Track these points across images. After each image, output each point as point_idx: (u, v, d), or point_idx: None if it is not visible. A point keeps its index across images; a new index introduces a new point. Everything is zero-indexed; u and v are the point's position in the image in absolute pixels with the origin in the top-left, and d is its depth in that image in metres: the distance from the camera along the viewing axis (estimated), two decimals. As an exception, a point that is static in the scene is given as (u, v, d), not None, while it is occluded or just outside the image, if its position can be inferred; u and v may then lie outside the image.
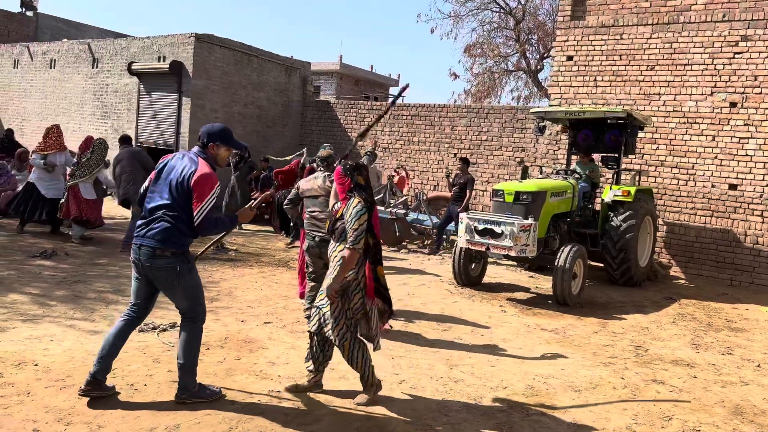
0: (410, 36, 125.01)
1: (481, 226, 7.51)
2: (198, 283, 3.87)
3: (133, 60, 14.45)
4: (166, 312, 5.77)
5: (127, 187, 8.35)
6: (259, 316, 6.00)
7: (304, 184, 5.63)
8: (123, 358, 4.50)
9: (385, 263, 9.41)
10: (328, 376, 4.36)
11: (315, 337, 4.12)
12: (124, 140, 8.95)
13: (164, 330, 5.25)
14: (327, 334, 3.98)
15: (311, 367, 4.19)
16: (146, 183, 3.92)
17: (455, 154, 13.37)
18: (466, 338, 5.82)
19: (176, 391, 3.85)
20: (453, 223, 10.46)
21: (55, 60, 16.79)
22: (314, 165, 6.73)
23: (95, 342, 4.78)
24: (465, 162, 10.70)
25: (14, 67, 18.02)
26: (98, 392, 3.75)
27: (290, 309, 6.36)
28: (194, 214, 3.63)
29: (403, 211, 11.20)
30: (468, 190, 10.32)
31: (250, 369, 4.57)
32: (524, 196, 7.68)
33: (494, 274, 9.17)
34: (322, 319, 4.01)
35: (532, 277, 9.34)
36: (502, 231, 7.32)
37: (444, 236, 11.04)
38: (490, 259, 8.87)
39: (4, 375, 4.01)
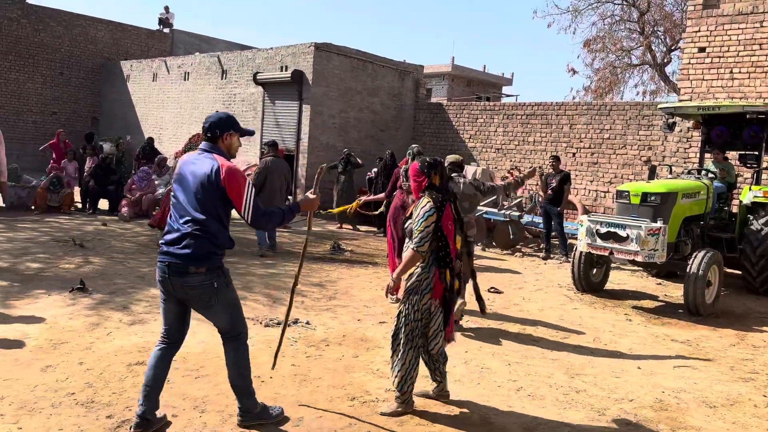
0: (525, 33, 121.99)
1: (603, 229, 7.16)
2: (236, 296, 3.53)
3: (258, 71, 15.30)
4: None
5: (265, 197, 8.62)
6: (375, 315, 6.11)
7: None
8: (251, 351, 4.77)
9: (500, 266, 9.29)
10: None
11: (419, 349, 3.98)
12: (274, 146, 9.24)
13: (289, 325, 5.48)
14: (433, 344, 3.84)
15: (431, 376, 4.08)
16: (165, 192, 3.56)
17: (574, 154, 12.87)
18: (588, 347, 5.57)
19: (238, 415, 3.54)
20: (553, 224, 10.28)
21: (188, 73, 18.17)
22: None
23: (225, 335, 5.10)
24: (557, 159, 10.39)
25: (153, 81, 19.73)
26: (151, 429, 3.40)
27: (405, 310, 6.43)
28: (241, 211, 3.27)
29: (518, 214, 10.95)
30: (566, 187, 10.02)
31: (367, 367, 4.66)
32: (652, 198, 7.22)
33: (618, 280, 8.70)
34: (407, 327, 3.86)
35: (660, 284, 8.76)
36: (628, 234, 6.93)
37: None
38: (612, 265, 8.44)
39: (146, 363, 4.38)
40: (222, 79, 16.77)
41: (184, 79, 18.32)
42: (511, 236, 10.94)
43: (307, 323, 5.61)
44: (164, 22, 24.58)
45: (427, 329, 3.81)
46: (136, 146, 16.50)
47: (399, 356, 3.79)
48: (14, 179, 11.69)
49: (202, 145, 3.42)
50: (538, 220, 10.94)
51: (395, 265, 6.66)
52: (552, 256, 10.32)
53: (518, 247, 11.09)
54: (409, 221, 3.87)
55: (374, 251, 9.85)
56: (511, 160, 13.96)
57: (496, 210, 11.13)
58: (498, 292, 7.56)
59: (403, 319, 3.79)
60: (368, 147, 15.04)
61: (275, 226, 3.37)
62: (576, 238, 8.08)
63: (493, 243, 11.21)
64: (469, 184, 5.68)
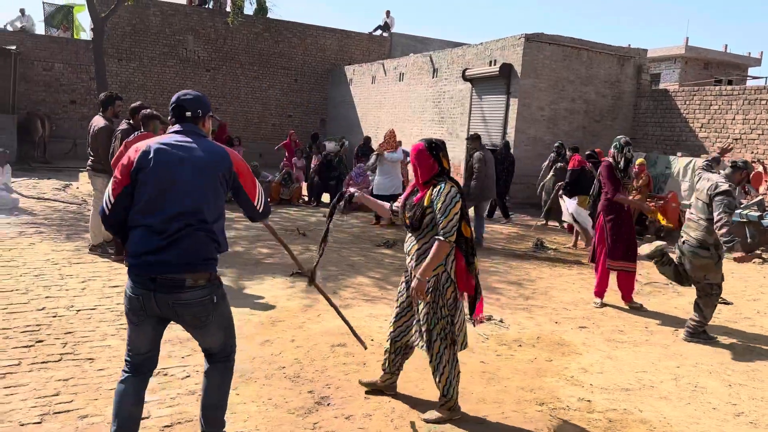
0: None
1: None
2: (230, 310, 2.97)
3: (467, 67, 15.43)
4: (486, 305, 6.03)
5: (486, 186, 8.96)
6: (575, 319, 5.80)
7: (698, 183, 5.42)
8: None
9: (731, 273, 8.15)
10: (649, 394, 3.97)
11: (391, 343, 3.78)
12: (478, 138, 9.39)
13: (489, 319, 5.47)
14: (411, 341, 3.63)
15: (385, 367, 3.85)
16: (112, 189, 2.70)
17: (837, 144, 10.74)
18: (839, 375, 4.64)
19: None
20: None
21: (403, 73, 19.03)
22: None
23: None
24: None
25: (372, 83, 21.05)
26: None
27: (609, 315, 5.99)
28: (254, 201, 2.92)
29: (757, 214, 9.48)
30: None
31: (561, 373, 4.46)
32: None
33: None
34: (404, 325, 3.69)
35: None
36: None
37: None
38: None
39: (347, 345, 4.72)
40: (433, 77, 17.25)
41: (399, 80, 19.23)
42: (749, 239, 9.52)
43: (501, 321, 5.53)
44: (383, 27, 26.00)
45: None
46: (354, 146, 17.78)
47: (439, 359, 3.49)
48: (255, 175, 13.45)
49: (185, 126, 2.82)
50: (785, 221, 9.36)
51: (603, 266, 6.24)
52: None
53: (758, 252, 9.62)
54: (429, 210, 3.41)
55: (580, 250, 9.33)
56: (752, 152, 12.13)
57: (729, 209, 9.78)
58: (726, 303, 6.66)
59: (433, 321, 3.48)
60: (580, 139, 14.24)
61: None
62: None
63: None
64: (715, 185, 5.13)
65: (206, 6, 23.16)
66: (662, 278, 7.67)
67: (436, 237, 3.36)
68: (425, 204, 3.42)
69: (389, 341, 3.78)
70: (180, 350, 4.37)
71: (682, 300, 6.76)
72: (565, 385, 4.23)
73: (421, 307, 3.51)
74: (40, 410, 3.37)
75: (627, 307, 6.25)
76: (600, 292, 6.32)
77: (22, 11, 20.73)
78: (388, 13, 26.10)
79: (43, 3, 22.09)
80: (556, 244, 9.59)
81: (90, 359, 4.10)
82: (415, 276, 3.41)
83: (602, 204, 6.25)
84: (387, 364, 3.82)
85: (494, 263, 8.03)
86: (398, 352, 3.78)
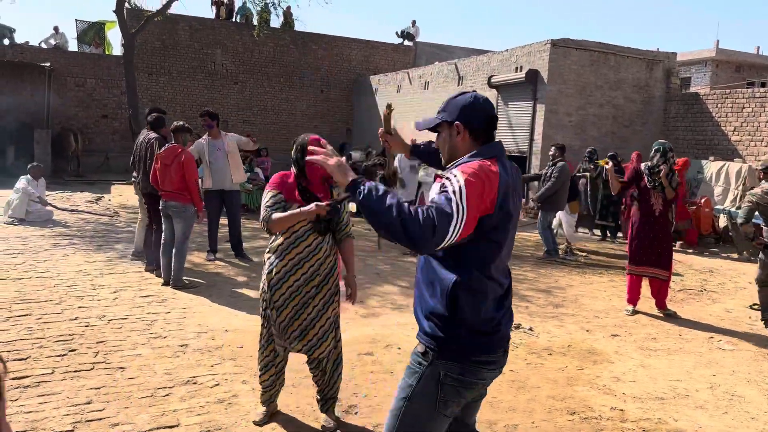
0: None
1: None
2: None
3: (493, 74, 15.37)
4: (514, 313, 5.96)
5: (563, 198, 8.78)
6: (606, 327, 5.69)
7: None
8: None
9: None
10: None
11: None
12: (564, 148, 9.29)
13: (517, 327, 5.40)
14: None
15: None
16: (466, 220, 1.86)
17: None
18: None
19: None
20: None
21: (428, 82, 19.04)
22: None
23: (447, 335, 5.22)
24: None
25: (397, 92, 21.09)
26: None
27: (641, 323, 5.86)
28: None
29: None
30: None
31: (592, 381, 4.37)
32: None
33: None
34: None
35: None
36: None
37: None
38: None
39: (374, 354, 4.71)
40: (458, 85, 17.21)
41: (424, 89, 19.24)
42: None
43: (530, 329, 5.45)
44: (407, 35, 26.07)
45: None
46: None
47: None
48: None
49: (501, 145, 2.13)
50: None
51: (633, 275, 6.12)
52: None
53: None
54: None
55: (611, 257, 9.18)
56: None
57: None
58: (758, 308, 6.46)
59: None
60: (608, 145, 14.05)
61: None
62: None
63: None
64: None
65: (233, 20, 23.53)
66: (696, 285, 7.52)
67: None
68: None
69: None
70: (209, 359, 4.40)
71: (716, 307, 6.58)
72: (597, 394, 4.15)
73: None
74: (72, 418, 3.42)
75: (660, 315, 6.11)
76: (632, 299, 6.19)
77: (55, 29, 21.32)
78: (413, 22, 26.19)
79: (76, 20, 22.69)
80: (587, 251, 9.44)
81: (121, 368, 4.15)
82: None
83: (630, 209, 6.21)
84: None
85: (523, 271, 7.93)
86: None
